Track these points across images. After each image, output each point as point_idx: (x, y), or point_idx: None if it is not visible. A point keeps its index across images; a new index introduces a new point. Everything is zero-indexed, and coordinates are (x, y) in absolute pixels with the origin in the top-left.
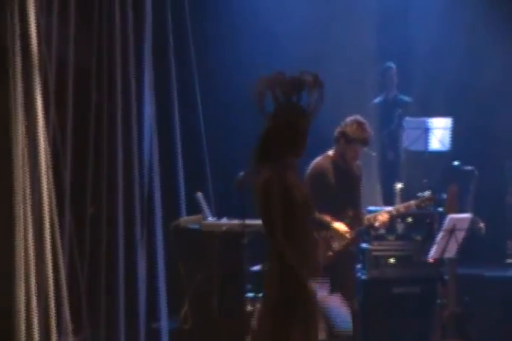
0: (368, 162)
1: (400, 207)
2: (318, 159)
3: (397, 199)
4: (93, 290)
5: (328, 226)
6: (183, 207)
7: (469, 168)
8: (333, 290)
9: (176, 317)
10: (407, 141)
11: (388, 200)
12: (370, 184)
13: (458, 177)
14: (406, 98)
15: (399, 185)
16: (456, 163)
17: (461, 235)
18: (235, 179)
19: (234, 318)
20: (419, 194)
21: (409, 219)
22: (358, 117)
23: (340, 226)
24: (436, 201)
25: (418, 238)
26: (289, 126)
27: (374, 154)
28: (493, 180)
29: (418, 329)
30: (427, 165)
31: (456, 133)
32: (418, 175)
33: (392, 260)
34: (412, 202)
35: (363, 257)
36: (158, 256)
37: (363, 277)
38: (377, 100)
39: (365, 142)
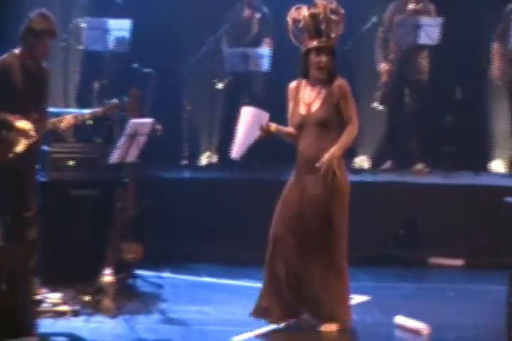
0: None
1: (85, 114)
2: (2, 56)
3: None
4: None
5: (10, 125)
6: None
7: (148, 70)
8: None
9: None
10: (87, 41)
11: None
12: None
13: (137, 79)
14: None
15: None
16: (135, 64)
17: (142, 139)
18: None
19: None
20: (106, 101)
21: (90, 122)
22: (42, 10)
23: (24, 124)
24: (122, 107)
25: (99, 141)
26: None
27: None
28: (170, 82)
29: (97, 231)
30: (107, 67)
31: (135, 34)
32: (98, 77)
33: (71, 162)
34: (99, 110)
35: (43, 159)
36: None
37: (43, 179)
38: None
39: (52, 34)
